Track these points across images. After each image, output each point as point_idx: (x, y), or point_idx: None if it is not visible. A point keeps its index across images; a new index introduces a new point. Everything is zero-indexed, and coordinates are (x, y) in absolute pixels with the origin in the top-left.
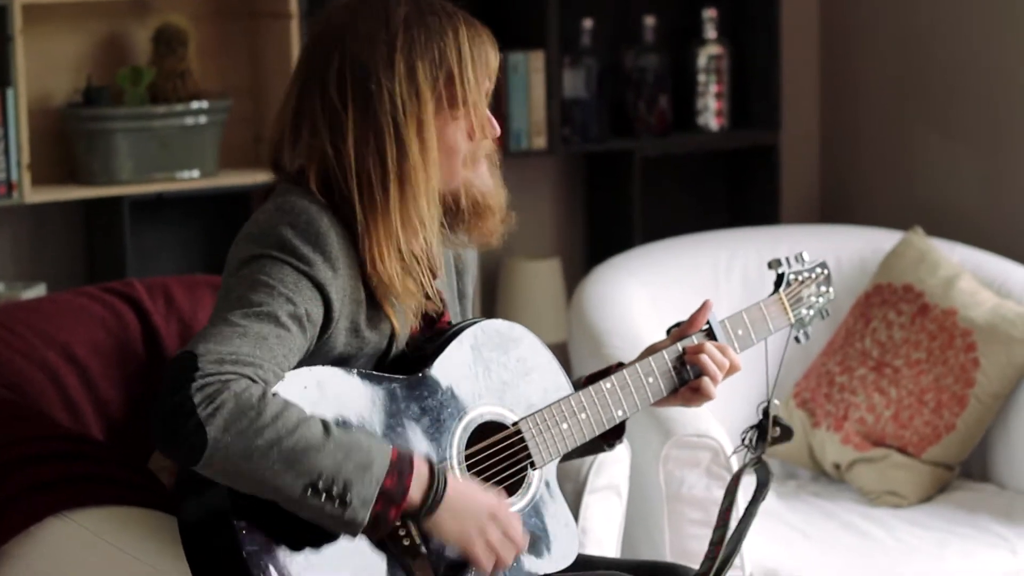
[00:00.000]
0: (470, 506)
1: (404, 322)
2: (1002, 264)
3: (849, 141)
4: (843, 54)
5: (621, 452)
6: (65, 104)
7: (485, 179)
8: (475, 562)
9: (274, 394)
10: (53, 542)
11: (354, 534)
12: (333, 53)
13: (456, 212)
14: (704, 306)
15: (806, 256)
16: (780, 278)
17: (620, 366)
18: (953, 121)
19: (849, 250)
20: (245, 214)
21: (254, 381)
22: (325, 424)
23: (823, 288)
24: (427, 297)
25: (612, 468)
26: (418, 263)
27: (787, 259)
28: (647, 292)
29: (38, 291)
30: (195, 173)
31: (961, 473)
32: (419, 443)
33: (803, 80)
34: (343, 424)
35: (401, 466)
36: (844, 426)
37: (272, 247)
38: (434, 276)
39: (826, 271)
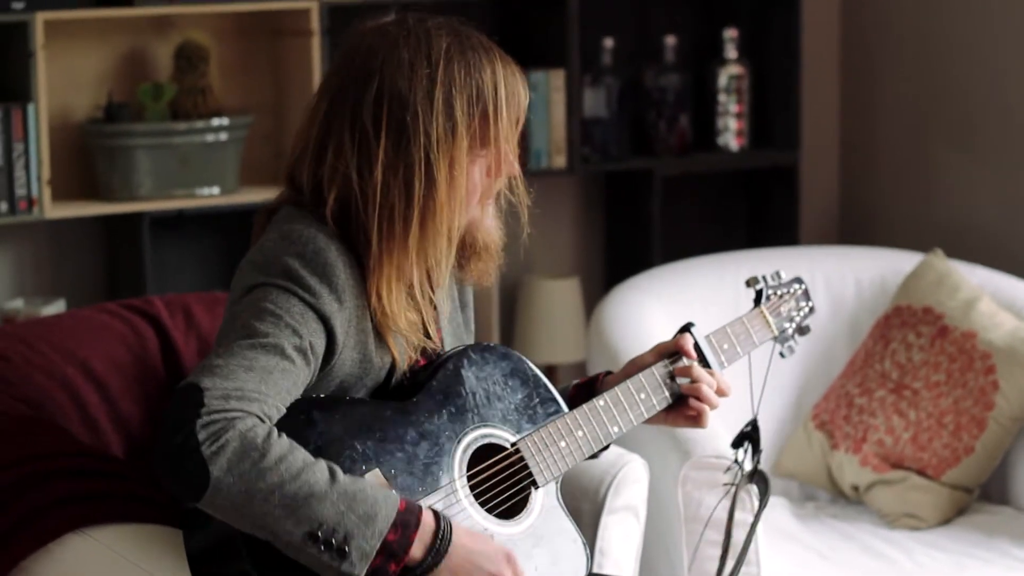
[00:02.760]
0: (475, 561)
1: (403, 354)
2: (1022, 287)
3: (869, 162)
4: (863, 75)
5: (640, 472)
6: (86, 120)
7: (489, 219)
8: None
9: (280, 434)
10: (72, 559)
11: None
12: (370, 78)
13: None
14: (684, 338)
15: (783, 274)
16: (759, 294)
17: (608, 374)
18: (974, 142)
19: (869, 271)
20: (251, 237)
21: (260, 420)
22: (331, 470)
23: (802, 303)
24: (427, 335)
25: (630, 489)
26: (422, 300)
27: (764, 276)
28: (666, 312)
29: (58, 307)
30: (215, 190)
31: (980, 496)
32: (420, 468)
33: (823, 100)
34: (346, 452)
35: (407, 519)
36: (863, 448)
37: (278, 276)
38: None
39: (803, 286)
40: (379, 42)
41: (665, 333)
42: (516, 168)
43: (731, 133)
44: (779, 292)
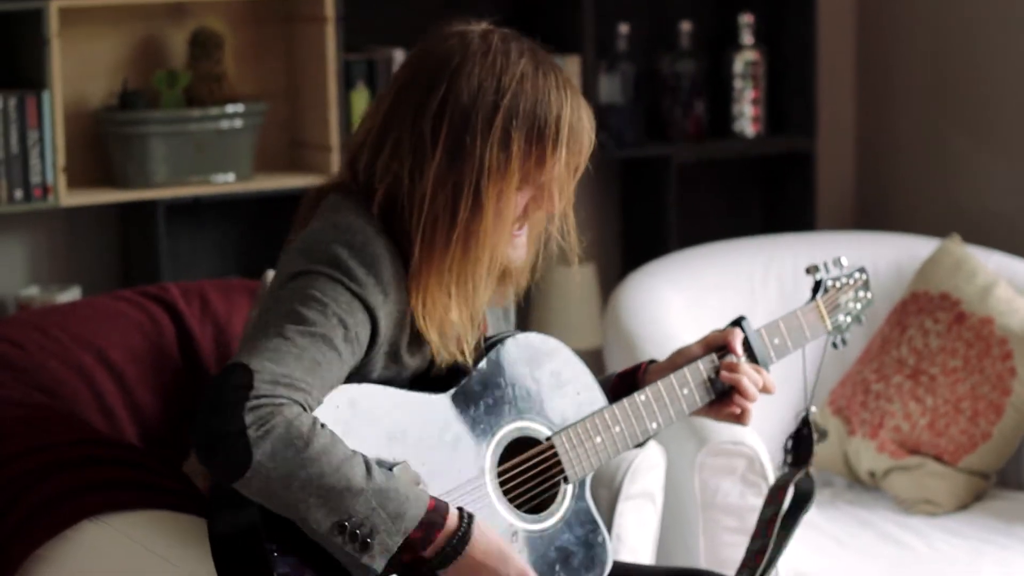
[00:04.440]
0: (492, 566)
1: (443, 356)
2: None
3: (885, 147)
4: (879, 60)
5: (656, 459)
6: (101, 107)
7: (520, 249)
8: None
9: (323, 425)
10: (88, 545)
11: None
12: (437, 85)
13: None
14: (733, 332)
15: (844, 261)
16: (818, 284)
17: (652, 363)
18: (990, 127)
19: (885, 257)
20: (281, 218)
21: (305, 409)
22: (368, 465)
23: (861, 293)
24: (462, 353)
25: (647, 475)
26: (462, 308)
27: (825, 264)
28: (683, 298)
29: (73, 295)
30: (230, 177)
31: (997, 482)
32: (451, 460)
33: (839, 86)
34: (378, 440)
35: (433, 519)
36: (880, 434)
37: (325, 264)
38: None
39: (865, 276)
40: (457, 50)
41: (681, 318)
42: (568, 210)
43: (747, 119)
44: (838, 283)
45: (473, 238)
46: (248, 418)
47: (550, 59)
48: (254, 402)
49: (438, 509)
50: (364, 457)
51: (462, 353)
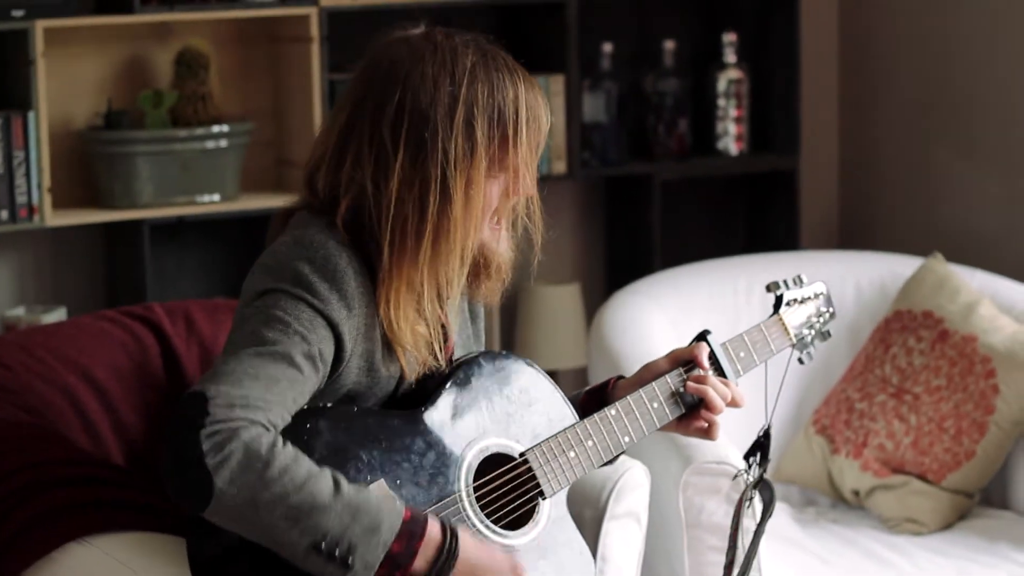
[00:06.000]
0: (485, 569)
1: (412, 366)
2: (1022, 290)
3: (869, 166)
4: (863, 79)
5: (641, 479)
6: (86, 127)
7: (501, 240)
8: None
9: (284, 443)
10: (74, 567)
11: None
12: (392, 90)
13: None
14: (699, 347)
15: (804, 278)
16: (779, 300)
17: (620, 379)
18: (973, 146)
19: (869, 276)
20: (266, 238)
21: (265, 429)
22: (336, 480)
23: (823, 309)
24: (435, 350)
25: (632, 495)
26: (431, 315)
27: (785, 281)
28: (667, 317)
29: (59, 315)
30: (216, 197)
31: (981, 500)
32: (426, 479)
33: (822, 105)
34: (351, 461)
35: (412, 529)
36: (863, 453)
37: (288, 281)
38: (445, 339)
39: (825, 292)
40: (405, 54)
41: (666, 338)
42: (533, 191)
43: (731, 138)
44: (800, 298)
45: (443, 231)
46: (205, 445)
47: (495, 47)
48: (209, 428)
49: (415, 519)
50: (332, 472)
51: (435, 358)
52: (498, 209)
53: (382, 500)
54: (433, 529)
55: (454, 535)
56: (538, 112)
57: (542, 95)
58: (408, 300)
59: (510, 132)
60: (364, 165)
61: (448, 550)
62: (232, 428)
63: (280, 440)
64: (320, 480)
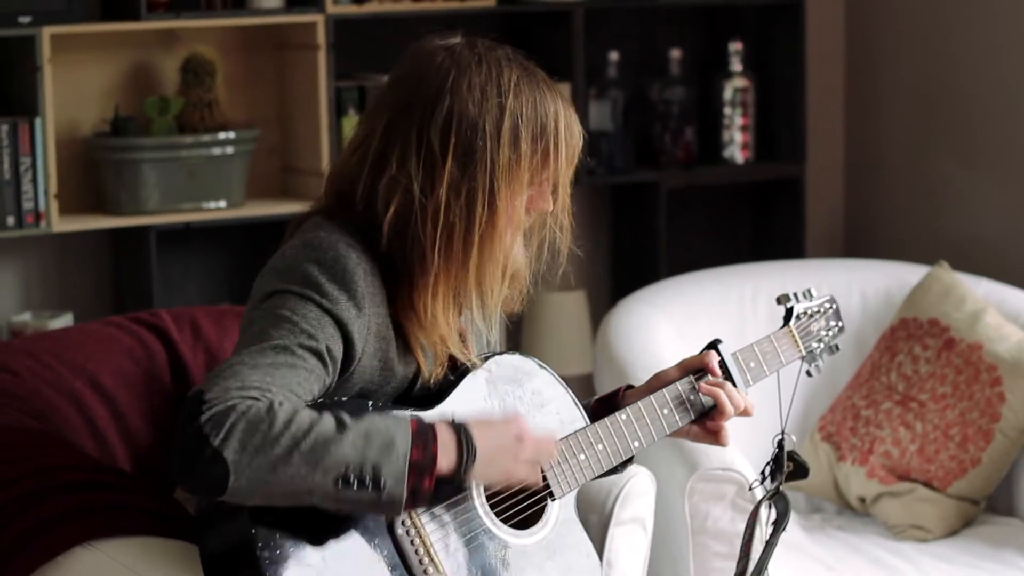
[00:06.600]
0: (498, 443)
1: (431, 366)
2: None
3: (874, 174)
4: (868, 87)
5: (647, 485)
6: (93, 134)
7: (520, 250)
8: (521, 483)
9: (280, 402)
10: (80, 571)
11: (397, 513)
12: (440, 98)
13: None
14: (709, 355)
15: (814, 291)
16: (789, 312)
17: (629, 387)
18: (979, 155)
19: (874, 284)
20: (272, 244)
21: (258, 400)
22: (338, 418)
23: (832, 323)
24: (460, 353)
25: (637, 501)
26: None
27: (795, 294)
28: (672, 325)
29: (65, 321)
30: (222, 203)
31: (986, 508)
32: None
33: (828, 113)
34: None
35: (424, 435)
36: (869, 460)
37: (296, 283)
38: (464, 342)
39: (834, 306)
40: (450, 63)
41: (671, 345)
42: (567, 203)
43: (736, 146)
44: (809, 311)
45: (489, 239)
46: (206, 428)
47: (531, 62)
48: (207, 413)
49: (423, 426)
50: (331, 412)
51: (461, 354)
52: (524, 218)
53: (387, 418)
54: (443, 429)
55: (465, 430)
56: (575, 128)
57: (575, 113)
58: (455, 304)
59: (551, 145)
60: (410, 169)
61: (467, 443)
62: (229, 405)
63: (276, 401)
64: (323, 421)
